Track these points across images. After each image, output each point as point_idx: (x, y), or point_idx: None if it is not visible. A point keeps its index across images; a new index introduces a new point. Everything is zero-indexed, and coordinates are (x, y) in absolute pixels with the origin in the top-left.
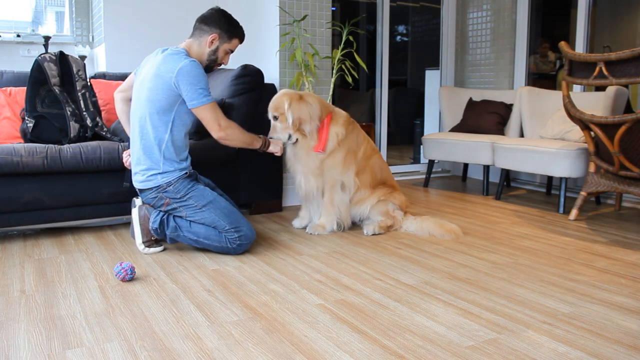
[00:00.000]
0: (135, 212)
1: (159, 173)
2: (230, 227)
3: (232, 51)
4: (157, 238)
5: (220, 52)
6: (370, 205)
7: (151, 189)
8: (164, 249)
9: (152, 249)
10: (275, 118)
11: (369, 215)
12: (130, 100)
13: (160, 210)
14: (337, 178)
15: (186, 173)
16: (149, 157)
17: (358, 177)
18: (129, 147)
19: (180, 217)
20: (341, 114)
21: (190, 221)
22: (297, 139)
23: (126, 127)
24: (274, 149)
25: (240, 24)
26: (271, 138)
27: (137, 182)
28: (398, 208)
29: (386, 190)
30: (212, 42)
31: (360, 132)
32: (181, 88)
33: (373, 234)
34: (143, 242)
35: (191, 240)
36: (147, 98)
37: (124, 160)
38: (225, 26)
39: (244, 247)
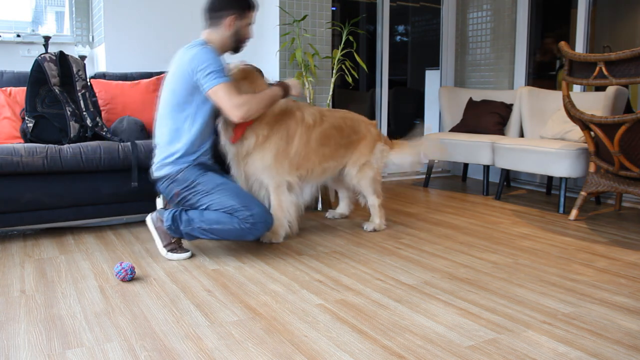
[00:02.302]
0: (148, 218)
1: (170, 163)
2: (240, 206)
3: (251, 23)
4: (179, 241)
5: (241, 30)
6: (354, 172)
7: (163, 177)
8: (192, 256)
9: (177, 255)
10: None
11: (356, 185)
12: None
13: (173, 203)
14: (278, 179)
15: (196, 162)
16: (165, 148)
17: (305, 163)
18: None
19: (192, 205)
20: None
21: (202, 210)
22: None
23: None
24: (296, 91)
25: None
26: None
27: (152, 171)
28: (378, 152)
29: (363, 145)
30: (230, 25)
31: (293, 121)
32: (196, 76)
33: (373, 230)
34: (164, 247)
35: (204, 231)
36: (169, 90)
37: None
38: (237, 4)
39: (259, 227)
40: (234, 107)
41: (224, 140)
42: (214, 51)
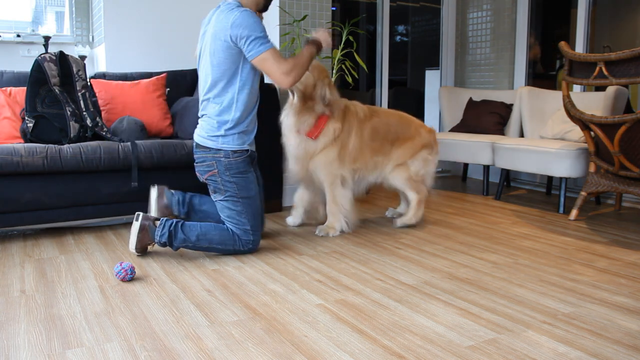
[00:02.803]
0: (135, 226)
1: (221, 136)
2: (249, 228)
3: None
4: (145, 250)
5: None
6: (388, 170)
7: (209, 149)
8: (165, 251)
9: (139, 255)
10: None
11: (391, 184)
12: None
13: (204, 179)
14: (335, 173)
15: (248, 152)
16: (215, 118)
17: (358, 162)
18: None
19: (214, 191)
20: (339, 106)
21: (204, 228)
22: (297, 98)
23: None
24: (326, 44)
25: None
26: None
27: (198, 136)
28: (420, 159)
29: (408, 146)
30: None
31: (349, 117)
32: (238, 42)
33: (403, 225)
34: (135, 249)
35: (202, 248)
36: (211, 63)
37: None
38: None
39: (250, 251)
40: (283, 74)
41: (296, 137)
42: (254, 15)
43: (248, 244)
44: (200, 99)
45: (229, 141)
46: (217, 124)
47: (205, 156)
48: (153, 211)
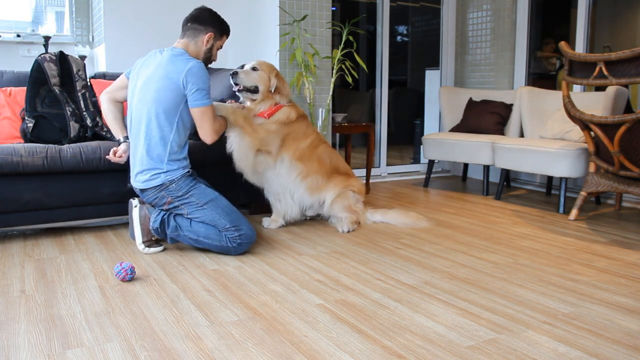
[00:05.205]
0: (135, 212)
1: (163, 172)
2: (230, 226)
3: (221, 47)
4: (157, 238)
5: (214, 49)
6: (330, 199)
7: (154, 187)
8: (164, 249)
9: (152, 249)
10: (255, 69)
11: (330, 212)
12: (117, 101)
13: (162, 210)
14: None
15: (188, 171)
16: (152, 158)
17: (304, 163)
18: (117, 145)
19: (181, 214)
20: (298, 107)
21: (191, 219)
22: (254, 100)
23: (112, 127)
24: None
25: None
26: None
27: (140, 182)
28: (358, 195)
29: (342, 178)
30: (207, 41)
31: (310, 126)
32: (188, 87)
33: (348, 231)
34: (143, 242)
35: (191, 240)
36: (154, 98)
37: (116, 157)
38: (218, 24)
39: (244, 246)
40: (214, 131)
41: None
42: (206, 70)
43: (236, 240)
44: (135, 138)
45: (170, 174)
46: (154, 163)
47: (155, 195)
48: (136, 223)
